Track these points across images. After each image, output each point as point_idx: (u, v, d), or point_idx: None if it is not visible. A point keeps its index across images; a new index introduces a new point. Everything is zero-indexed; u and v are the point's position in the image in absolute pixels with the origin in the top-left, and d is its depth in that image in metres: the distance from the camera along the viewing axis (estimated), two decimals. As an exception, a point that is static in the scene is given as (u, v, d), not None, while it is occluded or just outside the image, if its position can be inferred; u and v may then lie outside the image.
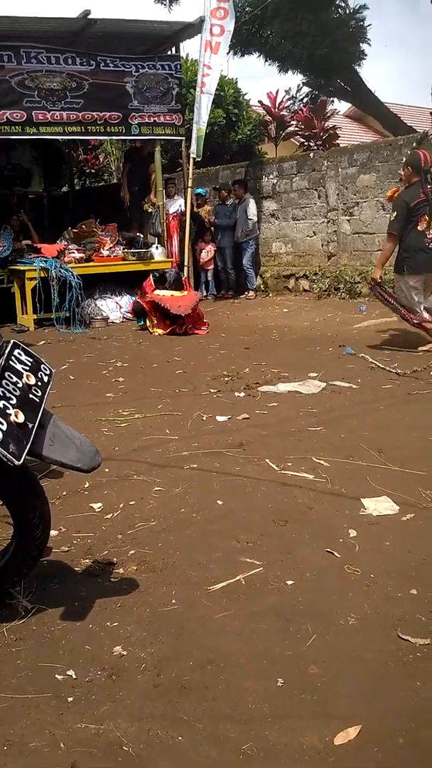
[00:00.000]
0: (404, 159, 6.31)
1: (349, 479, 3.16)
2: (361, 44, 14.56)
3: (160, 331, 7.83)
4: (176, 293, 8.06)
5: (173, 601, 2.16)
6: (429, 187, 5.93)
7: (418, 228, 5.93)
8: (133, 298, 9.32)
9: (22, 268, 8.79)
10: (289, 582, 2.26)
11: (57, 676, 1.84)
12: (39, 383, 1.95)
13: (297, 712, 1.68)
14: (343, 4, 14.53)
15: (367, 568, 2.33)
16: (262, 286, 11.15)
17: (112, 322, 8.94)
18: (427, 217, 5.92)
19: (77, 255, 9.13)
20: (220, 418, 4.23)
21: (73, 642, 1.97)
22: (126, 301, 9.24)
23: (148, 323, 8.06)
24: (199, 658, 1.86)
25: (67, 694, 1.76)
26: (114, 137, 10.78)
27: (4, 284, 9.28)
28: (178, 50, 10.48)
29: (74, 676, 1.83)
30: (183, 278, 8.40)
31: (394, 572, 2.30)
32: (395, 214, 6.04)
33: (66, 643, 1.97)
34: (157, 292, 8.04)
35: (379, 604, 2.12)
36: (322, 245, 10.68)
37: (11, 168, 12.04)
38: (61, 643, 1.97)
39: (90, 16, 9.03)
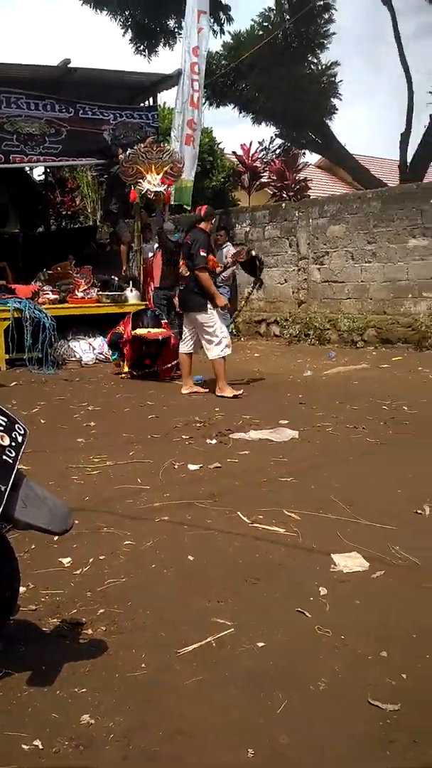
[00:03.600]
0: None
1: (320, 534, 3.17)
2: (332, 99, 15.15)
3: (127, 370, 7.85)
4: (153, 330, 8.17)
5: (143, 665, 2.13)
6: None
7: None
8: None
9: (-6, 308, 8.78)
10: (260, 644, 2.24)
11: (23, 745, 1.78)
12: (13, 443, 1.95)
13: (267, 784, 1.66)
14: (315, 61, 15.15)
15: (338, 628, 2.33)
16: (234, 331, 11.28)
17: (86, 364, 8.94)
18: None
19: (51, 296, 9.17)
20: (191, 467, 4.24)
21: (39, 709, 1.93)
22: (99, 342, 9.27)
23: (120, 361, 8.09)
24: (169, 728, 1.83)
25: (34, 766, 1.72)
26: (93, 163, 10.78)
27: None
28: (155, 100, 10.80)
29: (41, 746, 1.78)
30: (161, 318, 8.50)
31: (364, 633, 2.30)
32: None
33: (33, 710, 1.92)
34: (135, 330, 8.12)
35: (350, 668, 2.11)
36: (293, 292, 10.90)
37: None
38: (28, 711, 1.92)
39: (70, 65, 9.27)
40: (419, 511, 3.40)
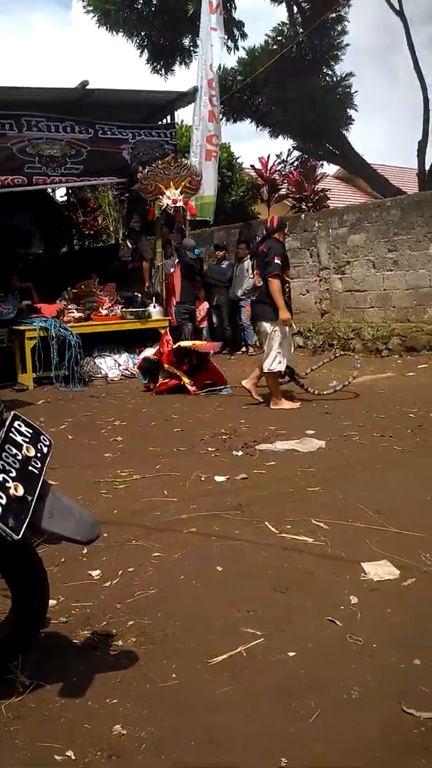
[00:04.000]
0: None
1: (349, 542, 3.14)
2: (348, 110, 15.19)
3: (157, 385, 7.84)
4: (197, 342, 8.19)
5: (173, 675, 2.13)
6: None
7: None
8: (136, 357, 9.42)
9: (22, 327, 8.92)
10: (291, 653, 2.23)
11: (56, 756, 1.79)
12: (38, 454, 1.98)
13: (301, 793, 1.64)
14: (330, 72, 15.22)
15: (369, 637, 2.30)
16: (257, 343, 11.29)
17: (111, 380, 9.01)
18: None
19: (76, 314, 9.27)
20: (218, 479, 4.23)
21: (71, 720, 1.93)
22: (124, 359, 9.34)
23: (151, 384, 8.04)
24: (200, 737, 1.83)
25: (66, 776, 1.72)
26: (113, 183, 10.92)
27: (5, 343, 9.39)
28: (173, 118, 10.92)
29: (73, 757, 1.79)
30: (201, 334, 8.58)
31: (396, 641, 2.28)
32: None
33: (65, 721, 1.93)
34: (180, 343, 8.07)
35: (382, 676, 2.09)
36: (315, 303, 10.88)
37: (12, 230, 12.34)
38: (60, 722, 1.93)
39: (88, 86, 9.44)
40: (449, 518, 3.36)
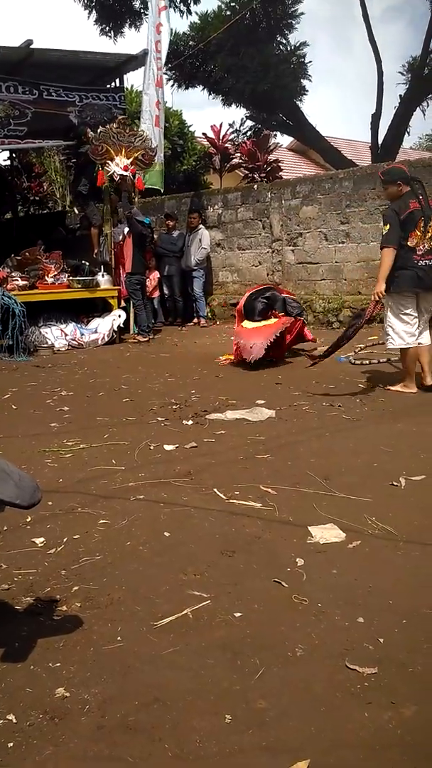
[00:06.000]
0: (382, 178, 5.61)
1: (296, 507, 3.17)
2: (302, 80, 15.07)
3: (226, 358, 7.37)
4: (258, 324, 7.29)
5: (118, 638, 2.10)
6: (421, 196, 5.36)
7: (409, 243, 5.31)
8: (83, 326, 9.24)
9: (-37, 296, 8.61)
10: (237, 614, 2.23)
11: (-4, 721, 1.75)
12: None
13: (245, 748, 1.65)
14: (284, 41, 15.04)
15: (315, 597, 2.33)
16: (209, 314, 11.25)
17: (58, 350, 8.82)
18: (419, 232, 5.31)
19: (20, 282, 9.01)
20: (167, 447, 4.20)
21: (13, 684, 1.89)
22: (71, 328, 9.14)
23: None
24: (145, 697, 1.81)
25: (7, 740, 1.69)
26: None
27: None
28: (122, 81, 10.62)
29: (14, 720, 1.75)
30: (273, 308, 7.44)
31: (341, 600, 2.31)
32: (387, 226, 5.37)
33: (6, 685, 1.89)
34: (244, 323, 7.44)
35: (327, 634, 2.11)
36: (268, 274, 10.87)
37: None
38: (1, 686, 1.89)
39: (33, 46, 9.07)
40: (395, 483, 3.42)
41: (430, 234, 5.35)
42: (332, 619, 2.20)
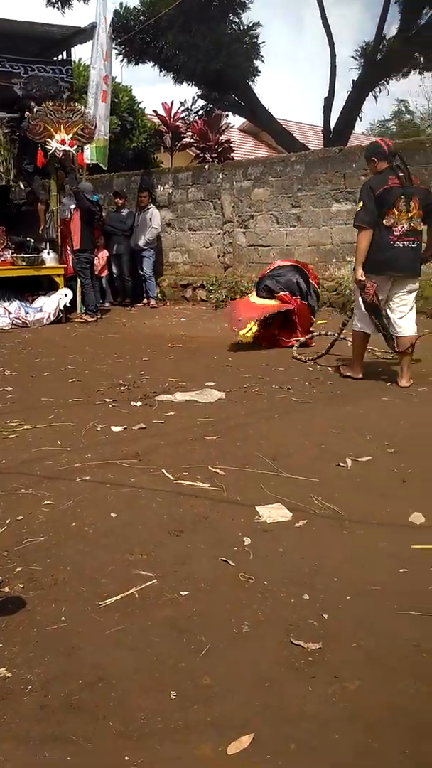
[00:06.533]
0: (364, 155, 5.23)
1: (245, 487, 3.18)
2: (254, 60, 14.94)
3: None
4: (258, 301, 7.11)
5: (62, 618, 2.07)
6: (401, 173, 4.96)
7: (384, 222, 4.95)
8: (28, 305, 9.02)
9: None
10: (184, 593, 2.23)
11: None
12: None
13: (190, 724, 1.65)
14: (237, 21, 14.87)
15: (261, 575, 2.34)
16: (159, 295, 11.15)
17: (1, 329, 8.61)
18: (397, 210, 4.92)
19: (-38, 259, 8.74)
20: (115, 428, 4.15)
21: None
22: (15, 307, 8.92)
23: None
24: (89, 677, 1.79)
25: None
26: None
27: None
28: (69, 54, 10.34)
29: None
30: (277, 290, 7.06)
31: (287, 578, 2.33)
32: (360, 204, 5.06)
33: None
34: (250, 296, 7.20)
35: (273, 611, 2.13)
36: (219, 256, 10.83)
37: None
38: None
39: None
40: (341, 464, 3.46)
41: (412, 214, 4.95)
42: (278, 596, 2.22)
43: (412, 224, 4.95)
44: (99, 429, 4.16)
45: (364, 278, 5.03)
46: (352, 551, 2.53)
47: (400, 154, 5.10)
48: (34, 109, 8.86)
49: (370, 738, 1.60)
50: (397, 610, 2.12)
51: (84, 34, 9.94)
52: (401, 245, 4.96)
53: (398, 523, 2.76)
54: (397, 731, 1.62)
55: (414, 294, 5.21)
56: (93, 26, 9.93)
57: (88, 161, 10.00)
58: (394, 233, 4.94)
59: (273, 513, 2.89)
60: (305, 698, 1.74)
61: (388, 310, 5.17)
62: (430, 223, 5.12)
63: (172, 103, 14.16)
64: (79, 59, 12.54)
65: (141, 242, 10.67)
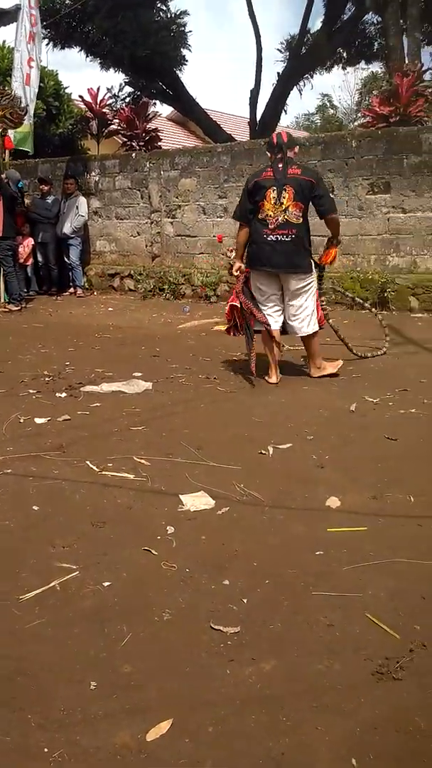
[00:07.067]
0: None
1: (169, 477, 3.21)
2: (182, 49, 14.88)
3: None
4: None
5: (-20, 614, 2.05)
6: (280, 165, 4.83)
7: (259, 216, 4.87)
8: None
9: None
10: (106, 583, 2.24)
11: None
12: None
13: (110, 713, 1.67)
14: (164, 8, 14.75)
15: (183, 563, 2.38)
16: (86, 284, 10.99)
17: None
18: (268, 203, 4.81)
19: None
20: (38, 420, 4.10)
21: None
22: None
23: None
24: (8, 670, 1.79)
25: None
26: None
27: None
28: (-8, 35, 9.98)
29: None
30: None
31: (208, 565, 2.38)
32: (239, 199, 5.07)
33: None
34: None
35: (193, 598, 2.18)
36: (147, 246, 10.76)
37: None
38: None
39: None
40: (263, 452, 3.54)
41: (286, 205, 4.79)
42: (199, 583, 2.26)
43: (286, 216, 4.79)
44: (22, 421, 4.09)
45: (238, 273, 5.09)
46: (271, 536, 2.61)
47: (284, 144, 4.87)
48: None
49: (283, 717, 1.67)
50: (313, 591, 2.21)
51: (8, 15, 9.64)
52: (274, 239, 4.83)
53: (315, 508, 2.85)
54: (311, 708, 1.70)
55: (307, 294, 5.01)
56: (17, 8, 9.63)
57: (16, 147, 9.71)
58: (269, 226, 4.83)
59: (196, 501, 2.93)
60: (223, 681, 1.79)
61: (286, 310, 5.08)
62: (322, 216, 4.95)
63: (98, 89, 13.91)
64: (3, 41, 12.14)
65: (67, 230, 10.48)
